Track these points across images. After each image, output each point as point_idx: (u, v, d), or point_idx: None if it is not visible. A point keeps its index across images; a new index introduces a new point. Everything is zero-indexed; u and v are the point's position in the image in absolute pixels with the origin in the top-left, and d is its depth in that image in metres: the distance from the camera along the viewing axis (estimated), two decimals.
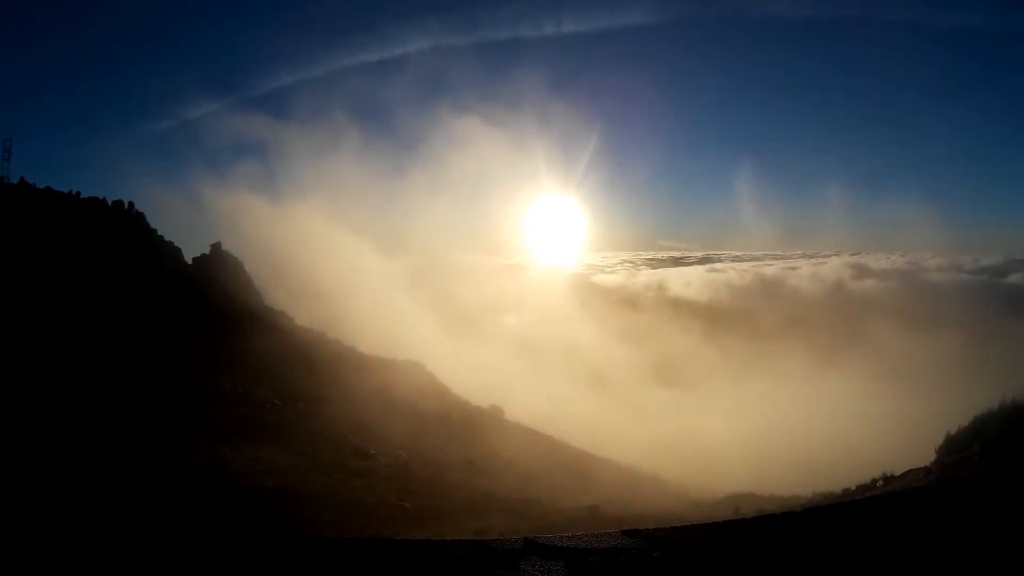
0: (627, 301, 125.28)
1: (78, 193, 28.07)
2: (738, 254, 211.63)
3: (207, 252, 33.42)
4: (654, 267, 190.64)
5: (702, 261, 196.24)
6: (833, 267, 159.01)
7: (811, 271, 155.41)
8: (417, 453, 18.19)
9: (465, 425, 23.52)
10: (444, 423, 23.10)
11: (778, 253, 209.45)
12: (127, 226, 27.90)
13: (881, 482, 7.84)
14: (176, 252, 29.64)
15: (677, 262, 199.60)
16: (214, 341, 21.63)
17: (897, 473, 7.83)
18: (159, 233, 29.48)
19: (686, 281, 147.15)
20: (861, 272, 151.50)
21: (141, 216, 29.22)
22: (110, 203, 28.64)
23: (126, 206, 28.98)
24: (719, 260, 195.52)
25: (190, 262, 30.84)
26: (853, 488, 8.37)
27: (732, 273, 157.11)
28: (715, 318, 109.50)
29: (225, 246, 33.80)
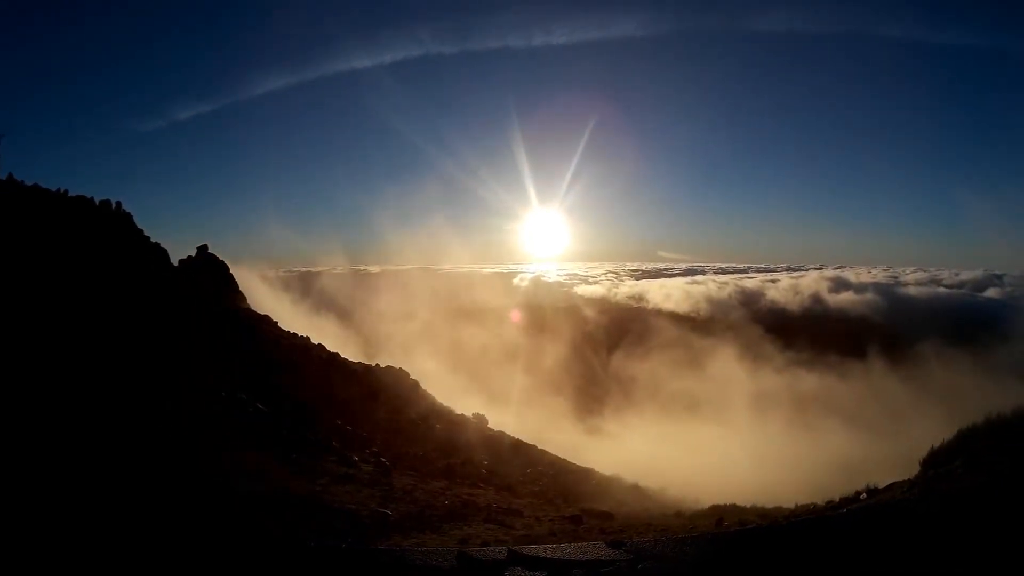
0: (605, 312, 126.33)
1: (66, 191, 27.82)
2: (723, 266, 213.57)
3: (193, 255, 33.26)
4: (637, 278, 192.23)
5: (685, 273, 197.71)
6: (811, 280, 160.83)
7: (789, 284, 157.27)
8: (399, 459, 18.12)
9: (448, 432, 23.48)
10: (427, 430, 23.06)
11: (762, 266, 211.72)
12: (114, 226, 27.65)
13: (865, 495, 7.85)
14: (163, 254, 29.39)
15: (661, 273, 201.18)
16: (200, 343, 21.48)
17: (881, 486, 7.85)
18: (146, 234, 29.21)
19: (666, 293, 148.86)
20: (839, 285, 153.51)
21: (129, 217, 28.96)
22: (97, 203, 28.37)
23: (113, 206, 28.72)
24: (702, 272, 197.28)
25: (177, 264, 30.64)
26: (837, 500, 8.38)
27: (712, 285, 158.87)
28: (690, 329, 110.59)
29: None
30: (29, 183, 27.13)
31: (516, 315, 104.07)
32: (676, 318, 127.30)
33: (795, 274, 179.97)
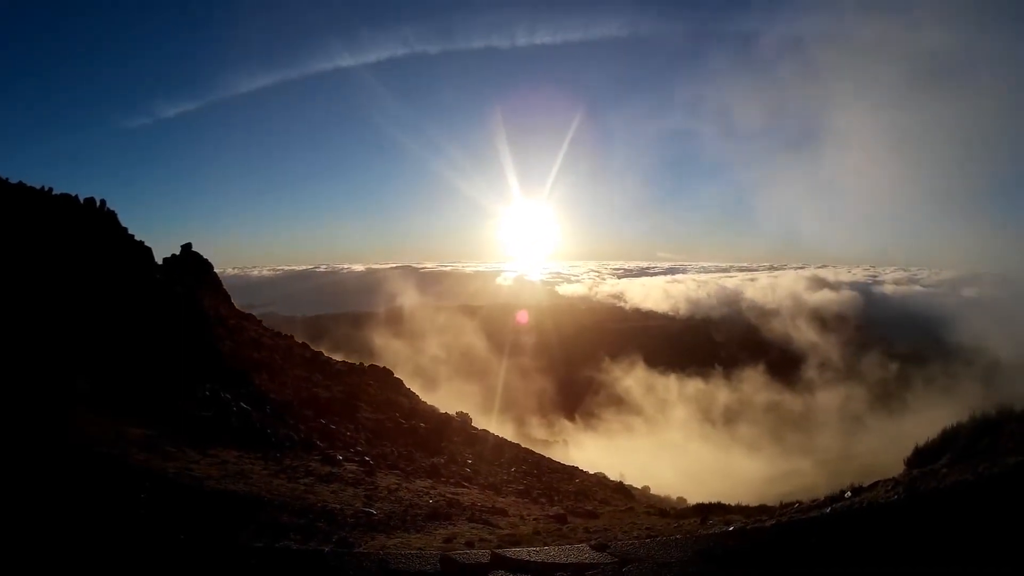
0: (585, 312, 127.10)
1: (50, 189, 27.51)
2: (705, 265, 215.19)
3: (177, 253, 32.98)
4: (620, 277, 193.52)
5: (667, 272, 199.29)
6: (790, 279, 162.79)
7: (767, 282, 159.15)
8: (383, 458, 18.03)
9: (432, 431, 23.41)
10: (411, 429, 22.97)
11: (744, 265, 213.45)
12: (98, 224, 27.36)
13: (850, 493, 7.87)
14: (147, 252, 29.10)
15: (644, 272, 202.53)
16: (183, 342, 21.29)
17: (866, 484, 7.87)
18: (130, 232, 28.90)
19: (645, 293, 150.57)
20: (816, 284, 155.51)
21: (113, 215, 28.65)
22: (82, 201, 28.06)
23: (97, 204, 28.42)
24: (684, 271, 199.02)
25: (160, 263, 30.37)
26: (822, 499, 8.39)
27: (691, 284, 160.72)
28: (666, 329, 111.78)
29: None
30: (13, 181, 26.85)
31: (522, 316, 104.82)
32: (654, 317, 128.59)
33: (775, 273, 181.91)
